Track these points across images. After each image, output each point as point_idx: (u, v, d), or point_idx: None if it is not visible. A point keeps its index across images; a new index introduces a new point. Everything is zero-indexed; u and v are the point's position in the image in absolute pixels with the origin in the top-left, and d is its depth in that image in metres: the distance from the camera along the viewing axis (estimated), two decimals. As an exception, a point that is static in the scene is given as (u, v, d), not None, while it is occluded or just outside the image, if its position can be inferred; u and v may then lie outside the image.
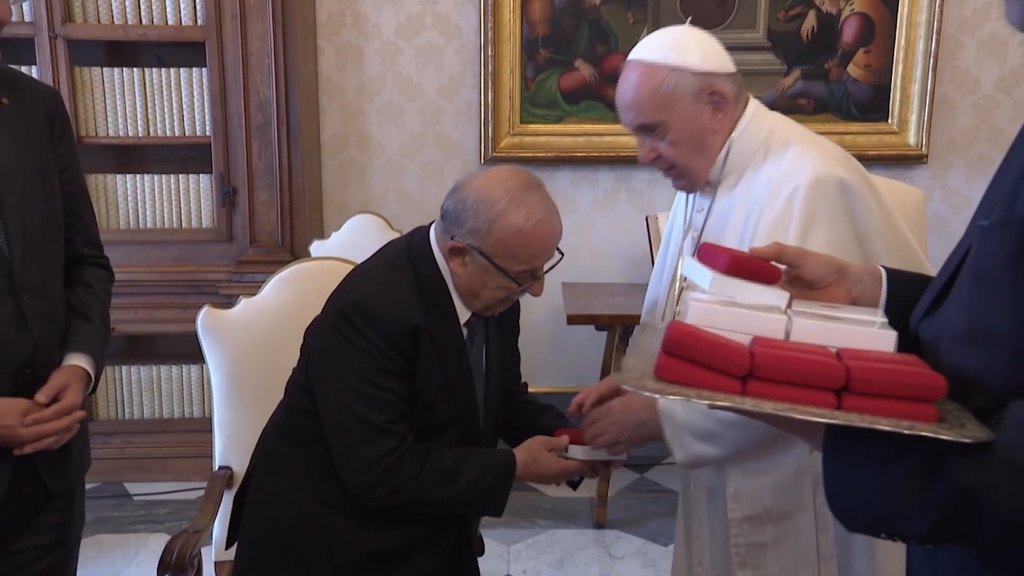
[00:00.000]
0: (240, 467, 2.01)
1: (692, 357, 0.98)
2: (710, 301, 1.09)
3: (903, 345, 1.04)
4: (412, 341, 1.60)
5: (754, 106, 1.63)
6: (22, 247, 1.56)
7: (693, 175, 1.62)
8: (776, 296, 1.14)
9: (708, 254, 1.26)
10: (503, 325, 1.81)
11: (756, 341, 1.02)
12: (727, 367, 0.97)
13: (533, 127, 3.57)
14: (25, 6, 3.07)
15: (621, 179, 3.68)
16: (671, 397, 0.97)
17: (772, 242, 1.25)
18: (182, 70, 3.23)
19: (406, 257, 1.68)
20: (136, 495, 3.30)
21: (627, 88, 1.60)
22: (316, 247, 3.11)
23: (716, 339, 1.00)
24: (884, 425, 0.89)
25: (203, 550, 1.89)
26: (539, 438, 1.73)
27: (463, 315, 1.68)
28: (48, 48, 3.11)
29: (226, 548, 1.88)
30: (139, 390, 3.40)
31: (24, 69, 3.03)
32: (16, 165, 1.58)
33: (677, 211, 1.83)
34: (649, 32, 3.40)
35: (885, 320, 1.09)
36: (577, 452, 1.71)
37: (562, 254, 1.67)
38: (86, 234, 1.77)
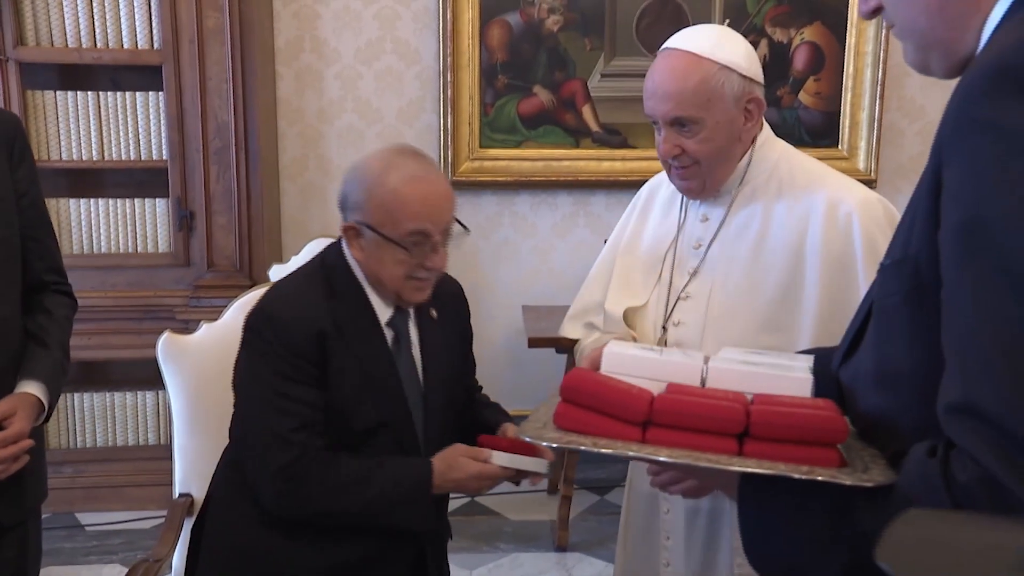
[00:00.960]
0: (200, 493, 1.99)
1: (590, 404, 0.95)
2: (627, 349, 1.08)
3: (826, 390, 1.02)
4: (319, 346, 1.57)
5: (767, 126, 1.64)
6: None
7: (712, 178, 1.58)
8: (798, 359, 1.13)
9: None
10: (446, 328, 1.76)
11: (668, 388, 1.00)
12: (625, 413, 0.94)
13: (492, 152, 3.61)
14: None
15: (579, 203, 3.73)
16: (567, 447, 0.94)
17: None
18: (138, 94, 3.21)
19: (319, 264, 1.68)
20: (88, 525, 3.24)
21: (669, 76, 1.51)
22: (276, 271, 3.08)
23: (614, 385, 0.97)
24: (782, 471, 0.88)
25: (162, 580, 1.86)
26: (459, 446, 1.65)
27: (383, 314, 1.64)
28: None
29: (186, 578, 1.86)
30: (92, 417, 3.35)
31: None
32: None
33: (652, 222, 1.75)
34: (607, 59, 3.49)
35: (808, 366, 1.07)
36: (501, 459, 1.63)
37: (464, 227, 1.66)
38: (47, 260, 1.74)
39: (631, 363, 1.04)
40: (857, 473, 0.86)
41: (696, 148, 1.53)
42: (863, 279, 1.49)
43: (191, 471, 2.03)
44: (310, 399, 1.57)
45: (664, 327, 1.64)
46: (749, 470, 0.89)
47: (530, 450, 1.64)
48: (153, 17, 3.14)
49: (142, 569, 1.78)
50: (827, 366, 1.10)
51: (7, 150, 1.66)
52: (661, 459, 0.92)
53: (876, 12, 0.99)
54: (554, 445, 0.96)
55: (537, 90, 3.59)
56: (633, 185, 3.71)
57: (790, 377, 1.03)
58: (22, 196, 1.68)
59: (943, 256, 0.81)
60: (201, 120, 3.18)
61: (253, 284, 3.15)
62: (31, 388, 1.61)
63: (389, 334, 1.66)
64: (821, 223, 1.53)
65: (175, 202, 3.23)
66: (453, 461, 1.62)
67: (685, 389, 1.00)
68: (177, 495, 2.04)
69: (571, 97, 3.57)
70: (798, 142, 3.66)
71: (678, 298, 1.63)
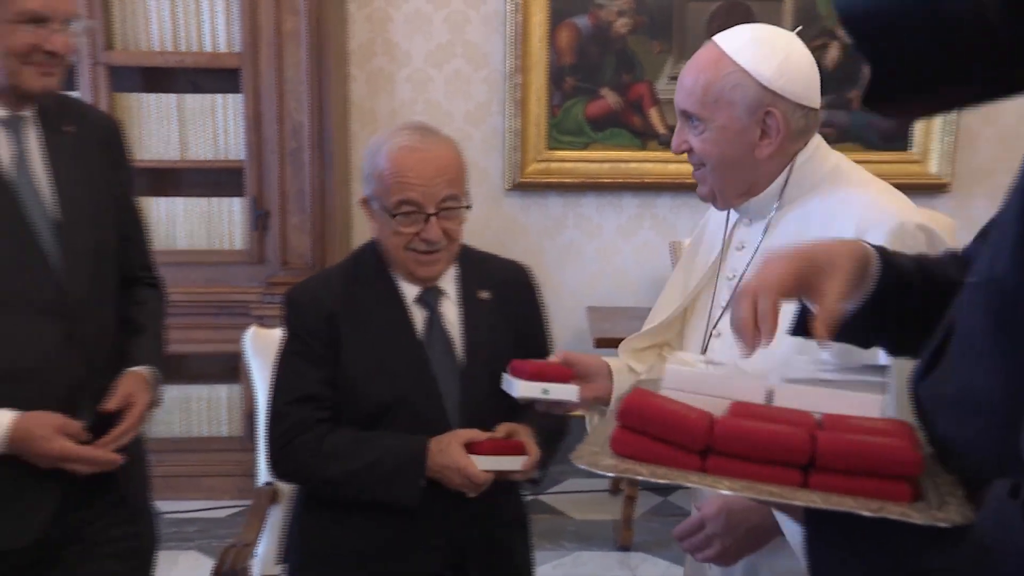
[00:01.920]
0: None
1: (648, 430, 0.90)
2: (688, 366, 1.02)
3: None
4: (330, 327, 1.69)
5: (817, 140, 1.44)
6: (77, 271, 1.62)
7: (721, 187, 1.45)
8: (874, 372, 1.05)
9: (515, 369, 1.44)
10: (497, 311, 1.78)
11: (732, 408, 0.95)
12: (684, 440, 0.89)
13: (559, 153, 3.65)
14: None
15: (645, 205, 3.76)
16: (622, 475, 0.88)
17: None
18: (217, 96, 3.33)
19: (354, 253, 1.83)
20: (165, 513, 3.36)
21: (691, 66, 1.43)
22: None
23: (673, 409, 0.91)
24: (849, 507, 0.82)
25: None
26: (461, 432, 1.66)
27: (410, 293, 1.72)
28: (90, 75, 3.21)
29: (277, 563, 1.95)
30: (169, 409, 3.48)
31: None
32: (78, 191, 1.66)
33: (705, 241, 1.64)
34: (675, 62, 3.52)
35: (882, 381, 1.01)
36: (483, 463, 1.63)
37: (466, 205, 1.69)
38: (140, 257, 1.83)
39: (693, 381, 0.99)
40: (931, 510, 0.81)
41: (700, 147, 1.42)
42: None
43: (275, 460, 2.11)
44: (312, 375, 1.69)
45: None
46: (814, 505, 0.83)
47: (515, 447, 1.66)
48: (233, 21, 3.24)
49: (233, 553, 1.86)
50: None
51: (106, 151, 1.74)
52: (722, 491, 0.87)
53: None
54: (611, 474, 0.91)
55: (604, 92, 3.63)
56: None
57: (862, 396, 0.97)
58: (120, 197, 1.76)
59: None
60: (277, 122, 3.28)
61: (325, 282, 3.25)
62: (139, 371, 1.71)
63: (420, 313, 1.73)
64: None
65: (251, 201, 3.33)
66: (446, 446, 1.64)
67: (749, 411, 0.94)
68: (262, 483, 2.12)
69: (638, 100, 3.60)
70: (869, 145, 3.66)
71: (710, 334, 1.50)
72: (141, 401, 1.66)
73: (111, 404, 1.61)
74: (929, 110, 0.83)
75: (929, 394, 0.93)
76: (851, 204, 1.37)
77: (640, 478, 0.90)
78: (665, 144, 3.69)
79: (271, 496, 2.07)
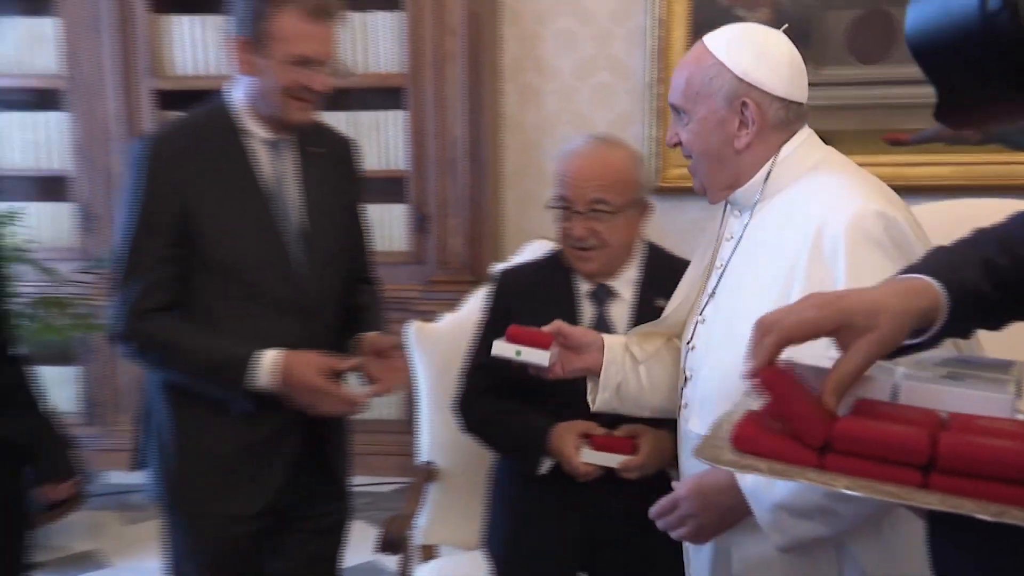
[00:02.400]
0: (443, 462, 2.15)
1: (773, 415, 0.89)
2: (815, 359, 0.97)
3: None
4: (507, 311, 1.88)
5: (806, 134, 1.42)
6: (317, 275, 1.78)
7: (707, 180, 1.45)
8: (1007, 368, 0.99)
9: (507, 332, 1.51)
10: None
11: (856, 405, 0.92)
12: (804, 437, 0.87)
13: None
14: None
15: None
16: (741, 471, 0.88)
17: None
18: (385, 112, 3.47)
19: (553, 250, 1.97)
20: (337, 486, 3.54)
21: (680, 63, 1.47)
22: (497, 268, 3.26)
23: (799, 409, 0.88)
24: (967, 510, 0.78)
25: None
26: (583, 423, 1.74)
27: (583, 289, 1.88)
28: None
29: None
30: (339, 394, 3.63)
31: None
32: (326, 204, 1.83)
33: (707, 234, 1.63)
34: (816, 69, 3.40)
35: (1017, 379, 0.95)
36: (587, 456, 1.71)
37: (616, 210, 1.79)
38: (364, 259, 2.01)
39: (821, 376, 0.94)
40: None
41: (687, 139, 1.42)
42: None
43: (434, 442, 2.19)
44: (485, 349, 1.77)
45: (687, 350, 1.52)
46: (932, 507, 0.80)
47: (624, 445, 1.73)
48: (399, 45, 3.37)
49: (397, 522, 1.95)
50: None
51: (348, 168, 1.93)
52: (840, 489, 0.84)
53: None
54: (731, 469, 0.89)
55: None
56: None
57: (990, 396, 0.91)
58: (352, 207, 1.95)
59: None
60: (437, 135, 3.41)
61: (478, 280, 3.34)
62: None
63: (589, 310, 1.84)
64: (809, 249, 1.30)
65: (413, 207, 3.47)
66: (564, 431, 1.75)
67: (874, 408, 0.91)
68: (421, 462, 2.20)
69: None
70: (1015, 146, 3.40)
71: (697, 321, 1.50)
72: (401, 360, 1.85)
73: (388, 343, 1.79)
74: (995, 122, 0.84)
75: None
76: (819, 193, 1.35)
77: (759, 475, 0.88)
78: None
79: (429, 474, 2.14)
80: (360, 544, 2.79)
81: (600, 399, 1.58)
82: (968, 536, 0.82)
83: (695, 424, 1.42)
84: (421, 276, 3.51)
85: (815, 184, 1.36)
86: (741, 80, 1.36)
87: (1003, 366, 1.00)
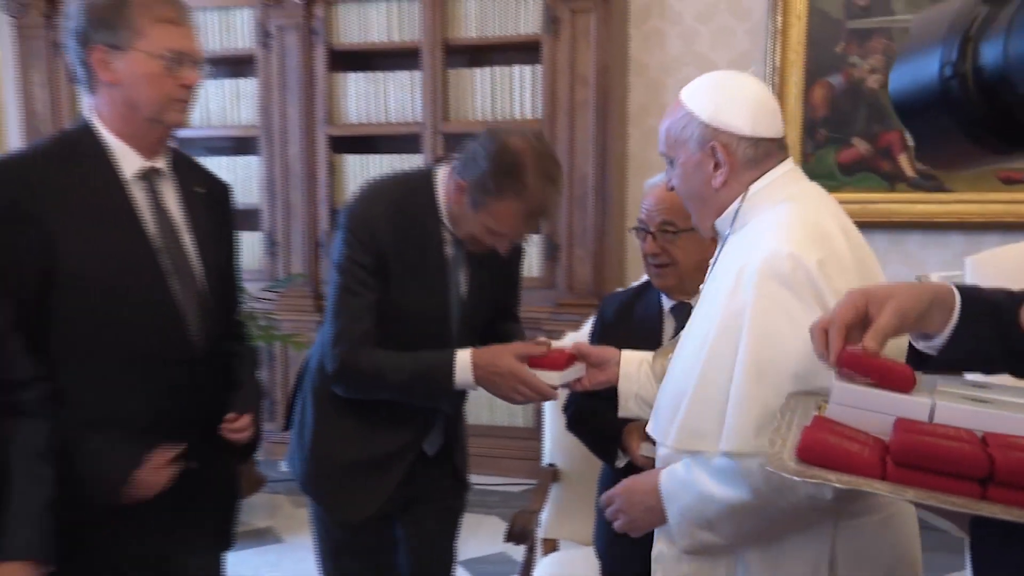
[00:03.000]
0: (563, 465, 2.24)
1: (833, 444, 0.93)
2: (855, 384, 1.02)
3: None
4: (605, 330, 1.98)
5: (781, 171, 1.42)
6: (466, 335, 1.86)
7: (695, 217, 1.50)
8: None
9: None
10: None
11: (899, 424, 0.95)
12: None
13: (811, 196, 3.57)
14: (417, 108, 3.61)
15: (894, 242, 3.59)
16: (810, 480, 0.91)
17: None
18: (522, 154, 3.61)
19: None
20: (476, 484, 3.67)
21: (664, 116, 1.53)
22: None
23: (848, 448, 0.92)
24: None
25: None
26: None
27: (666, 306, 1.88)
28: (431, 141, 3.65)
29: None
30: (478, 402, 3.78)
31: (412, 158, 3.59)
32: (487, 281, 1.88)
33: None
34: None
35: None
36: (648, 450, 1.65)
37: (683, 230, 1.79)
38: (515, 300, 2.10)
39: (859, 398, 0.99)
40: None
41: (676, 184, 1.47)
42: (743, 346, 1.29)
43: (556, 446, 2.28)
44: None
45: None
46: (997, 516, 0.83)
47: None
48: (537, 94, 3.52)
49: (523, 517, 2.07)
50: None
51: (513, 258, 2.00)
52: (907, 499, 0.88)
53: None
54: (796, 479, 0.93)
55: (855, 141, 3.60)
56: (951, 227, 3.48)
57: (1017, 418, 0.94)
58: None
59: None
60: (568, 173, 3.53)
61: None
62: None
63: (671, 325, 1.87)
64: (733, 281, 1.34)
65: (546, 238, 3.62)
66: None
67: (917, 427, 0.94)
68: (545, 464, 2.29)
69: (888, 147, 3.56)
70: None
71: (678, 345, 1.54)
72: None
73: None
74: (960, 165, 0.89)
75: None
76: (758, 231, 1.37)
77: (828, 484, 0.91)
78: (915, 186, 3.49)
79: (553, 475, 2.23)
80: (493, 537, 2.91)
81: (622, 408, 1.69)
82: (1012, 543, 0.84)
83: (650, 427, 1.49)
84: (551, 299, 3.65)
85: (764, 222, 1.38)
86: (707, 125, 1.38)
87: (1022, 392, 1.03)
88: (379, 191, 1.86)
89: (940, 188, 3.55)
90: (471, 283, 1.87)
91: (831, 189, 3.53)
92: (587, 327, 2.35)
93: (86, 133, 1.57)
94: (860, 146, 3.62)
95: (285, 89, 3.90)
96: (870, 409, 0.97)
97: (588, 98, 3.57)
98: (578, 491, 2.22)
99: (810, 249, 1.30)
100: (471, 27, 3.72)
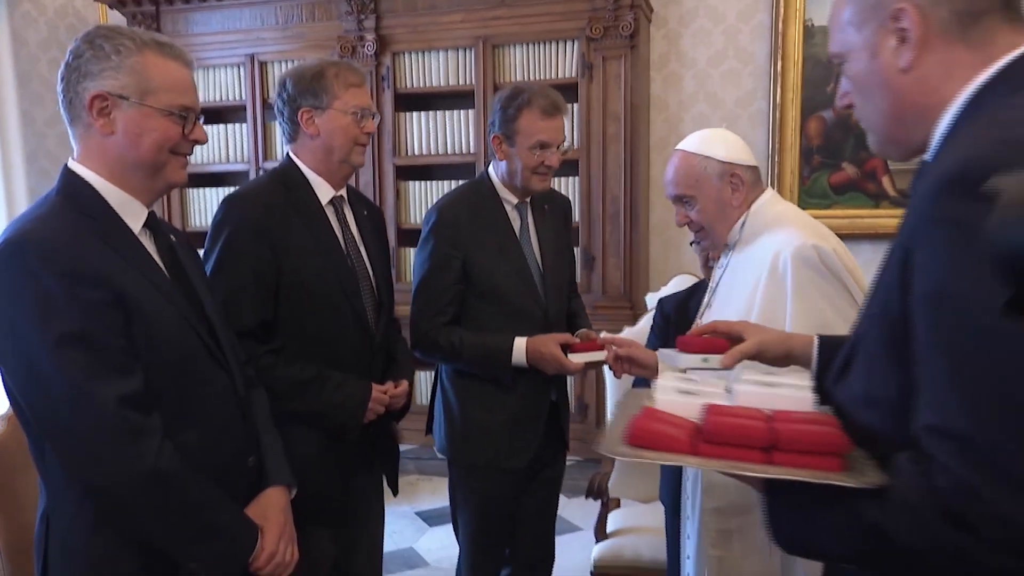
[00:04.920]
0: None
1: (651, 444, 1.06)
2: (672, 388, 1.16)
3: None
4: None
5: (770, 193, 1.81)
6: (555, 297, 2.25)
7: (715, 236, 1.81)
8: (800, 376, 1.22)
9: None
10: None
11: (708, 409, 1.07)
12: (677, 432, 1.03)
13: (808, 211, 4.07)
14: (471, 141, 4.11)
15: (877, 251, 4.12)
16: (634, 459, 1.04)
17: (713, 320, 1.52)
18: (561, 179, 4.22)
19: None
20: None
21: (670, 169, 1.83)
22: (649, 297, 3.87)
23: (664, 430, 1.03)
24: (804, 477, 0.93)
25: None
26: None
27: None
28: (482, 170, 4.14)
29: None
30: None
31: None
32: (555, 248, 2.31)
33: None
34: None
35: (809, 384, 1.13)
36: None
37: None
38: (574, 279, 2.53)
39: (678, 401, 1.13)
40: (859, 476, 0.92)
41: (697, 216, 1.81)
42: (790, 318, 1.60)
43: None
44: None
45: None
46: (782, 476, 0.95)
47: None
48: (574, 128, 4.06)
49: (599, 477, 2.53)
50: (820, 380, 1.18)
51: (566, 220, 2.43)
52: (713, 468, 1.01)
53: (849, 107, 1.06)
54: (626, 459, 1.08)
55: (845, 166, 4.12)
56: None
57: (797, 397, 1.09)
58: (571, 248, 2.43)
59: (916, 316, 0.88)
60: (602, 195, 4.08)
61: (633, 307, 3.95)
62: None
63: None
64: (768, 271, 1.64)
65: (583, 249, 4.15)
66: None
67: (721, 409, 1.07)
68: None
69: (873, 170, 4.09)
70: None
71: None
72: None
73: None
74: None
75: (843, 395, 1.04)
76: (774, 238, 1.70)
77: (649, 461, 1.03)
78: (896, 203, 4.03)
79: None
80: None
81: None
82: (799, 500, 0.96)
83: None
84: (588, 303, 4.06)
85: (774, 233, 1.70)
86: (723, 162, 1.77)
87: (796, 373, 1.23)
88: (451, 195, 2.27)
89: (917, 204, 4.06)
90: (543, 250, 2.24)
91: (824, 207, 4.21)
92: (637, 325, 2.84)
93: (291, 168, 1.96)
94: (849, 170, 4.15)
95: (357, 126, 4.37)
96: (688, 393, 1.14)
97: (618, 131, 4.02)
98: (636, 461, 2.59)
99: (825, 240, 1.67)
100: (517, 72, 4.20)
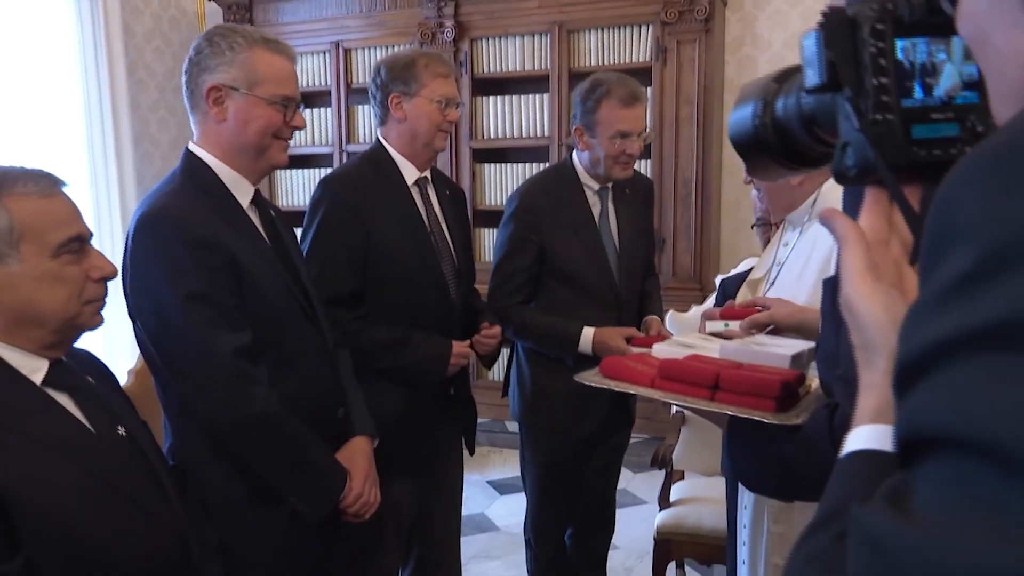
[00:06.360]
0: (688, 414, 2.66)
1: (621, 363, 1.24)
2: (677, 343, 1.31)
3: None
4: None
5: None
6: (628, 279, 2.35)
7: (771, 207, 1.82)
8: (799, 343, 1.31)
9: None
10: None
11: (688, 357, 1.21)
12: (644, 369, 1.19)
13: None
14: (545, 125, 4.22)
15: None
16: (601, 386, 1.17)
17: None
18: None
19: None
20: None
21: None
22: (719, 279, 3.89)
23: (644, 359, 1.21)
24: (731, 411, 1.06)
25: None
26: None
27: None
28: (556, 153, 4.27)
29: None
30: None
31: (539, 167, 4.18)
32: (633, 231, 2.39)
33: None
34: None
35: (798, 344, 1.23)
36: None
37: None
38: (652, 259, 2.63)
39: (667, 352, 1.27)
40: (782, 417, 1.04)
41: (764, 198, 1.83)
42: None
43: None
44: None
45: None
46: (713, 409, 1.08)
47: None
48: (648, 112, 4.07)
49: (664, 448, 2.58)
50: None
51: (647, 203, 2.53)
52: (657, 398, 1.14)
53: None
54: (595, 385, 1.20)
55: None
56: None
57: (772, 354, 1.21)
58: (651, 232, 2.57)
59: None
60: (674, 177, 4.11)
61: (703, 288, 3.99)
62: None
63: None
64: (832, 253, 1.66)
65: (655, 232, 4.15)
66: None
67: (692, 357, 1.21)
68: (674, 412, 2.81)
69: None
70: None
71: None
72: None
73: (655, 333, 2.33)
74: (773, 177, 1.02)
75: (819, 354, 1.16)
76: None
77: (612, 388, 1.17)
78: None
79: (682, 419, 2.69)
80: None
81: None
82: (741, 432, 1.08)
83: None
84: (660, 284, 4.19)
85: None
86: None
87: (796, 342, 1.32)
88: (533, 180, 2.37)
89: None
90: (620, 234, 2.31)
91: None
92: (703, 305, 2.91)
93: (380, 150, 2.10)
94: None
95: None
96: (685, 345, 1.29)
97: (691, 115, 4.09)
98: (704, 431, 2.55)
99: None
100: (591, 57, 4.27)
